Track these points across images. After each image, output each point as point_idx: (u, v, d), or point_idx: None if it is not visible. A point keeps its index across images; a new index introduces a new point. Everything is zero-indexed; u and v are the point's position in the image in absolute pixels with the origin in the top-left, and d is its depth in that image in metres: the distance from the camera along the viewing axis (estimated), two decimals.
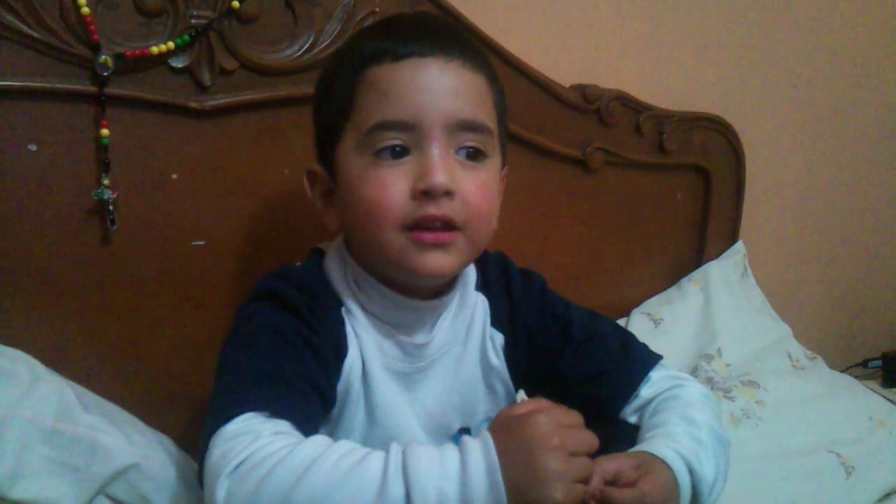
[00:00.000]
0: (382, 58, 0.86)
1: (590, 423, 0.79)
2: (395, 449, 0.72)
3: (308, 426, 0.79)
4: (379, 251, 0.88)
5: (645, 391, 0.98)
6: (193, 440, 1.18)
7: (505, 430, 0.73)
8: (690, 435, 0.90)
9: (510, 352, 1.02)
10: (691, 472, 0.86)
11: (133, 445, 1.01)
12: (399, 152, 0.85)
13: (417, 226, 0.85)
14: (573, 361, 1.01)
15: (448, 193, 0.84)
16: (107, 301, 1.16)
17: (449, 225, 0.86)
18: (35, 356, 1.04)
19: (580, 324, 1.03)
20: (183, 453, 1.13)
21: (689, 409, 0.94)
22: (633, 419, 0.98)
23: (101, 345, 1.17)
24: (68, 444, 0.95)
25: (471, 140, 0.88)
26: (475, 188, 0.87)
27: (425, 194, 0.84)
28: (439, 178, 0.83)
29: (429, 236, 0.85)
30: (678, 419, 0.92)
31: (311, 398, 0.84)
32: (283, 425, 0.76)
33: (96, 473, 0.96)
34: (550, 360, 1.02)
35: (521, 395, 1.08)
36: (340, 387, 0.92)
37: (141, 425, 1.10)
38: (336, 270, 0.95)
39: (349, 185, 0.88)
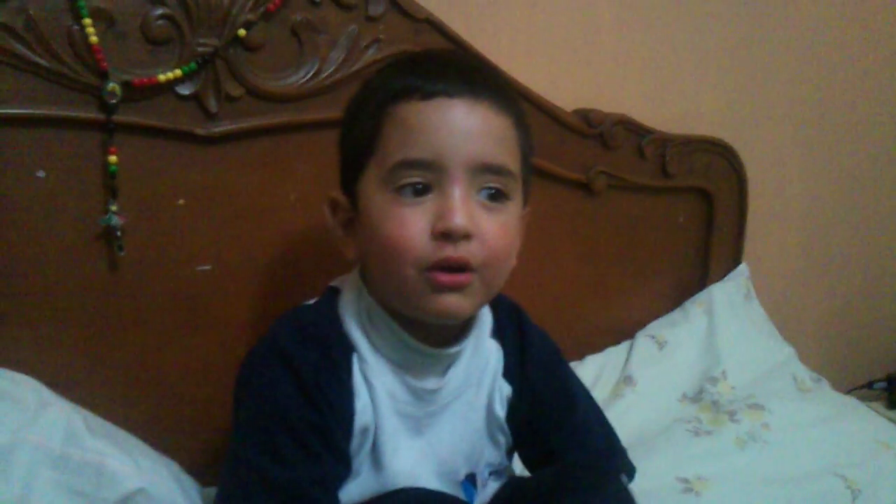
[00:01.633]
0: (411, 95, 0.86)
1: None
2: None
3: None
4: (395, 288, 0.88)
5: None
6: (201, 465, 1.19)
7: None
8: None
9: (514, 405, 1.02)
10: None
11: (140, 470, 1.01)
12: (420, 190, 0.85)
13: (435, 267, 0.84)
14: (567, 441, 1.03)
15: (467, 236, 0.84)
16: (114, 326, 1.17)
17: (465, 267, 0.85)
18: (42, 381, 1.05)
19: (581, 411, 1.05)
20: (190, 478, 1.13)
21: None
22: None
23: (107, 369, 1.17)
24: (76, 469, 0.95)
25: (493, 182, 0.87)
26: (495, 230, 0.87)
27: (444, 235, 0.83)
28: (459, 220, 0.83)
29: (445, 278, 0.84)
30: None
31: (321, 497, 0.85)
32: None
33: (104, 498, 0.96)
34: (547, 429, 1.03)
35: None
36: (354, 443, 0.91)
37: (148, 450, 1.10)
38: (350, 309, 0.94)
39: (370, 219, 0.88)
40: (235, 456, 0.87)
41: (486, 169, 0.86)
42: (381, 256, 0.87)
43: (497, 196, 0.88)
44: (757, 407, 1.41)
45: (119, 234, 1.12)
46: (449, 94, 0.85)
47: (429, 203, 0.85)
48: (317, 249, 1.23)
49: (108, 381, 1.17)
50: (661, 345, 1.55)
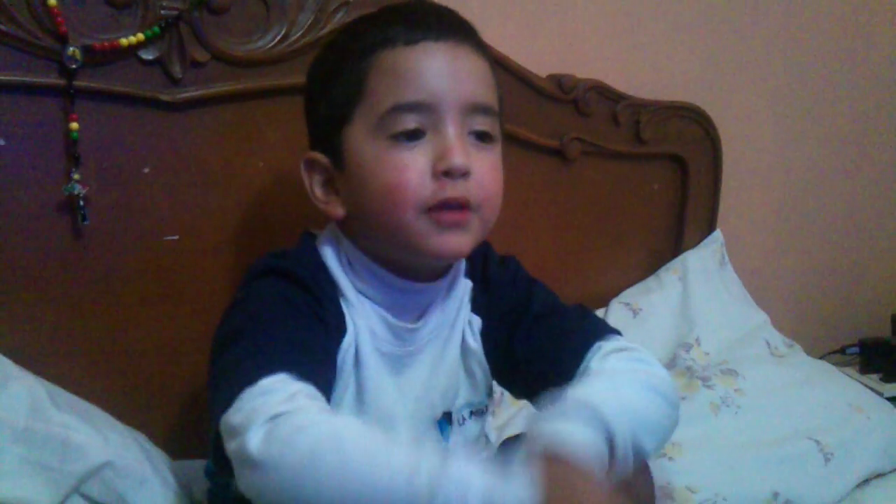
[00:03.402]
0: (394, 42, 0.87)
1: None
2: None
3: (327, 393, 0.81)
4: (396, 234, 0.88)
5: (595, 364, 0.90)
6: (170, 437, 1.18)
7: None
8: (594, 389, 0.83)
9: (487, 335, 1.02)
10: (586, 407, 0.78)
11: (107, 443, 1.00)
12: (415, 135, 0.86)
13: (438, 207, 0.86)
14: (527, 338, 0.98)
15: (465, 174, 0.86)
16: (79, 297, 1.15)
17: (465, 205, 0.87)
18: (5, 354, 1.03)
19: (539, 301, 1.01)
20: (158, 450, 1.12)
21: (602, 363, 0.89)
22: None
23: (73, 342, 1.15)
24: (41, 443, 0.94)
25: (481, 123, 0.90)
26: (487, 169, 0.89)
27: (445, 175, 0.85)
28: (459, 158, 0.85)
29: (448, 217, 0.87)
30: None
31: (327, 365, 0.86)
32: (311, 389, 0.76)
33: (70, 472, 0.95)
34: (509, 338, 1.00)
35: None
36: (338, 364, 0.91)
37: (115, 422, 1.09)
38: (330, 253, 0.95)
39: (363, 169, 0.88)
40: (233, 336, 0.83)
41: (476, 109, 0.89)
42: (380, 204, 0.87)
43: (484, 136, 0.90)
44: (730, 372, 1.42)
45: (82, 203, 1.10)
46: (433, 39, 0.87)
47: (424, 145, 0.86)
48: (286, 217, 1.21)
49: (75, 353, 1.16)
50: (636, 312, 1.55)
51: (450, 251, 0.89)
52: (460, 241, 0.89)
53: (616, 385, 0.84)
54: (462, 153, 0.85)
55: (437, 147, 0.86)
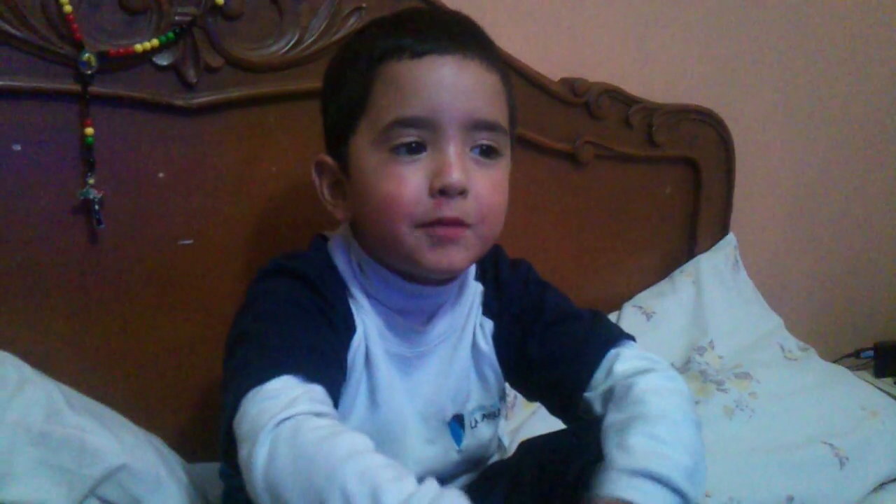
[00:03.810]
0: (401, 54, 0.86)
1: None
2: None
3: (335, 395, 0.81)
4: (391, 245, 0.88)
5: (619, 367, 0.91)
6: (184, 440, 1.19)
7: None
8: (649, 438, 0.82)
9: (498, 338, 1.02)
10: (659, 481, 0.77)
11: (122, 446, 1.00)
12: (415, 148, 0.86)
13: (431, 223, 0.86)
14: (540, 342, 0.99)
15: (462, 192, 0.85)
16: (94, 301, 1.16)
17: (460, 224, 0.87)
18: (21, 357, 1.04)
19: (552, 305, 1.02)
20: (173, 453, 1.12)
21: (646, 408, 0.85)
22: (598, 406, 0.92)
23: (88, 345, 1.16)
24: (57, 446, 0.95)
25: (485, 139, 0.88)
26: (488, 186, 0.88)
27: (441, 192, 0.85)
28: (456, 176, 0.84)
29: (441, 231, 0.86)
30: (637, 433, 0.82)
31: (335, 366, 0.86)
32: (318, 390, 0.76)
33: (86, 474, 0.95)
34: (522, 342, 1.00)
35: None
36: (347, 363, 0.92)
37: (130, 425, 1.09)
38: (341, 256, 0.95)
39: (363, 179, 0.88)
40: (242, 338, 0.84)
41: (480, 125, 0.87)
42: (377, 215, 0.88)
43: (489, 152, 0.89)
44: (744, 376, 1.41)
45: (97, 207, 1.11)
46: (439, 52, 0.86)
47: (424, 160, 0.86)
48: (299, 222, 1.22)
49: (90, 356, 1.17)
50: (649, 315, 1.55)
51: (444, 266, 0.88)
52: (455, 257, 0.88)
53: (678, 429, 0.84)
54: (459, 171, 0.85)
55: (435, 163, 0.85)
